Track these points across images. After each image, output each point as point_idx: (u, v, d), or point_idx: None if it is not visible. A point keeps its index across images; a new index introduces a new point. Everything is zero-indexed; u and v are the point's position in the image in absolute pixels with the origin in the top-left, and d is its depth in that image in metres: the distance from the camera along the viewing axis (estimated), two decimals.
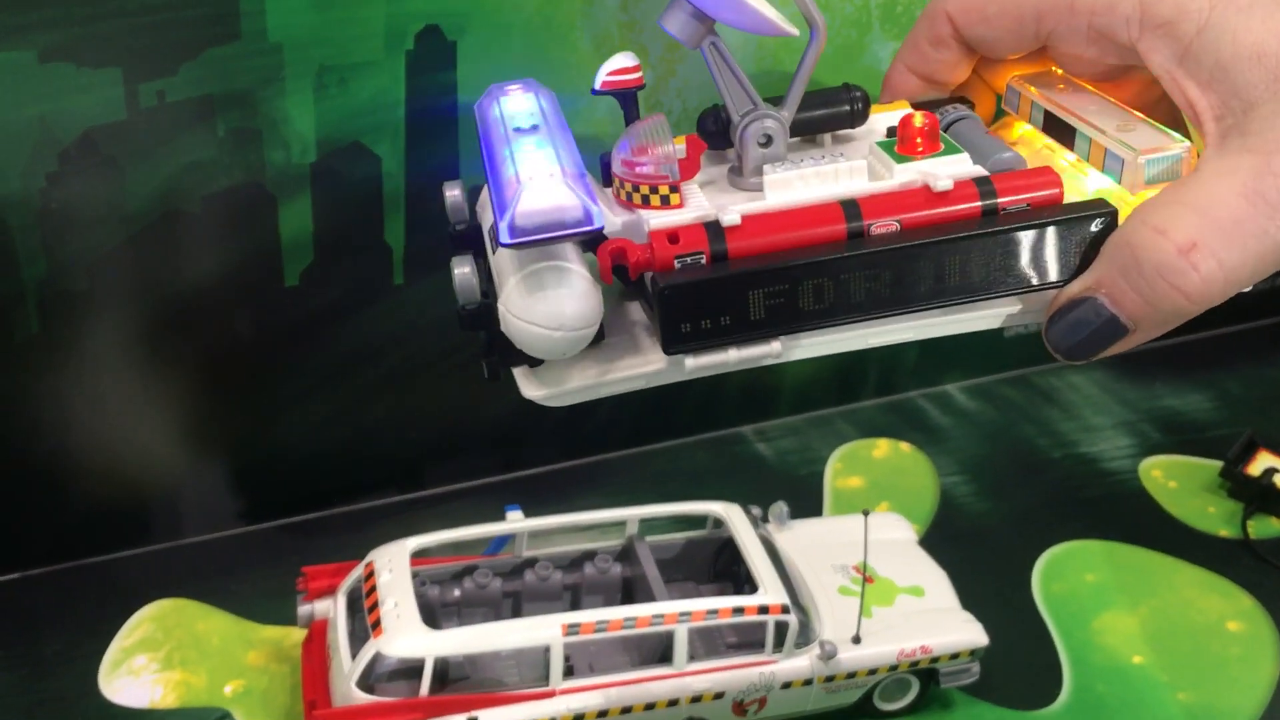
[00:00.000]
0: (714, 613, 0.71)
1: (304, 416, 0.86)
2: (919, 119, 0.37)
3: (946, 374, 1.10)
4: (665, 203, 0.36)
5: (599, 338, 0.36)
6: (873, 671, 0.75)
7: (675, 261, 0.35)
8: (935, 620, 0.78)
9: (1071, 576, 0.90)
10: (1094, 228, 0.35)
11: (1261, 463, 0.94)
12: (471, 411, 0.89)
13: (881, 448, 1.02)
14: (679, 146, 0.38)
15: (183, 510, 0.86)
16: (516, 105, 0.39)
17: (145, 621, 0.79)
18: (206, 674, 0.76)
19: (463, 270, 0.37)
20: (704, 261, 0.35)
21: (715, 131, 0.39)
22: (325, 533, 0.89)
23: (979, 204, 0.36)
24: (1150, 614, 0.87)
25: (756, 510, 0.80)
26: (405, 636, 0.68)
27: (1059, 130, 0.40)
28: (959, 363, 1.09)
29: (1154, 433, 1.06)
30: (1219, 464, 0.96)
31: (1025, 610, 0.87)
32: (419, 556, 0.74)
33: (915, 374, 1.09)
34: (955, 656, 0.76)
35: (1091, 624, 0.86)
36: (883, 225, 0.35)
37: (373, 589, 0.71)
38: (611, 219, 0.37)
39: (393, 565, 0.72)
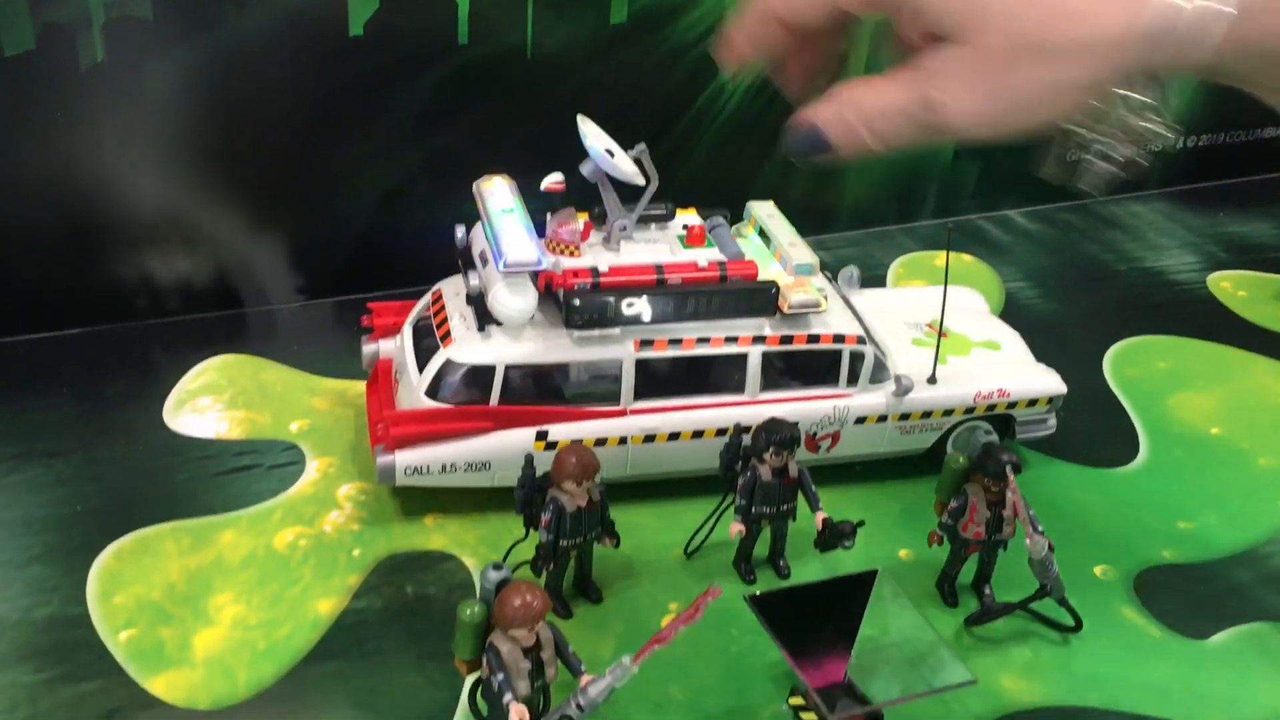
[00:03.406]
0: (789, 338, 0.70)
1: (362, 190, 0.85)
2: (695, 230, 0.72)
3: (1006, 199, 1.08)
4: (571, 255, 0.69)
5: (534, 317, 0.68)
6: (948, 413, 0.73)
7: (575, 284, 0.67)
8: (1012, 369, 0.76)
9: (1144, 363, 0.89)
10: (764, 291, 0.70)
11: None
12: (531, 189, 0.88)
13: (942, 258, 1.00)
14: (580, 225, 0.70)
15: (245, 281, 0.85)
16: (499, 191, 0.71)
17: (208, 370, 0.79)
18: (271, 414, 0.75)
19: (473, 282, 0.69)
20: (588, 285, 0.67)
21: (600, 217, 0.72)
22: None
23: (718, 273, 0.69)
24: (1226, 395, 0.85)
25: (827, 273, 0.79)
26: (476, 344, 0.67)
27: (765, 240, 0.76)
28: (1019, 189, 1.07)
29: (1220, 252, 1.04)
30: None
31: (1099, 390, 0.85)
32: None
33: (975, 197, 1.07)
34: (1033, 404, 0.75)
35: (1167, 401, 0.84)
36: (673, 277, 0.68)
37: (441, 309, 0.70)
38: (548, 259, 0.68)
39: (460, 290, 0.71)
